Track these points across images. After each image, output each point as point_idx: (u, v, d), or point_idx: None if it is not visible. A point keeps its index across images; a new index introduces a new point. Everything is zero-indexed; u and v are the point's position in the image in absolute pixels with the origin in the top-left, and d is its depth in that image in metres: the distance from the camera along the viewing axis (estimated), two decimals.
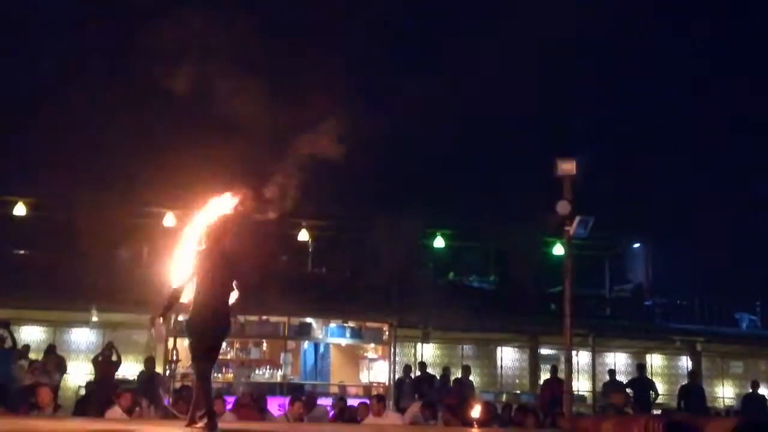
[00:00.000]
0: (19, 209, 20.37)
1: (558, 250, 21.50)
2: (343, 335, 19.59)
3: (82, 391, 17.74)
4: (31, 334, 19.74)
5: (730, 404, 22.70)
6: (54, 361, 16.71)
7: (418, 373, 18.34)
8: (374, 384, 19.55)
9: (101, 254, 18.64)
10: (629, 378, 19.36)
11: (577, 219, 11.42)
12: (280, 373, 19.23)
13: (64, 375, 17.40)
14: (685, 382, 19.38)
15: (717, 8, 33.70)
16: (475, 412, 11.06)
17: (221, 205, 8.06)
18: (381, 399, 13.32)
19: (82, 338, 19.77)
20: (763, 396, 19.29)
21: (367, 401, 13.78)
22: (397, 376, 18.87)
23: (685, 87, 34.39)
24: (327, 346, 19.91)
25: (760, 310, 23.80)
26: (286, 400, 13.41)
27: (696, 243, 29.31)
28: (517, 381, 22.17)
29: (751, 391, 19.12)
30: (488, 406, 13.46)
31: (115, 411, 11.46)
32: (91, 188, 19.41)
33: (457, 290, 21.67)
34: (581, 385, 21.57)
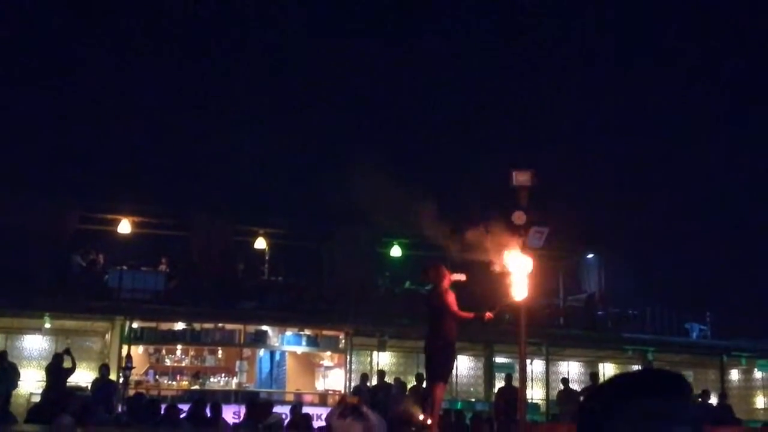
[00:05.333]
0: None
1: None
2: (299, 343, 19.59)
3: (34, 399, 17.47)
4: None
5: None
6: (5, 368, 16.45)
7: (375, 381, 18.36)
8: (330, 392, 19.55)
9: (56, 260, 18.45)
10: (582, 386, 19.58)
11: (532, 229, 11.53)
12: (235, 380, 19.15)
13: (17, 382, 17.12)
14: None
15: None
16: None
17: None
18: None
19: (35, 345, 19.48)
20: (712, 405, 19.60)
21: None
22: (352, 385, 18.89)
23: (643, 103, 35.02)
24: (283, 353, 19.87)
25: (709, 320, 24.20)
26: (241, 408, 13.37)
27: (647, 254, 29.82)
28: (471, 389, 22.29)
29: (701, 400, 19.41)
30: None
31: (65, 418, 11.32)
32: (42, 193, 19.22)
33: (413, 299, 21.70)
34: (535, 393, 21.76)
